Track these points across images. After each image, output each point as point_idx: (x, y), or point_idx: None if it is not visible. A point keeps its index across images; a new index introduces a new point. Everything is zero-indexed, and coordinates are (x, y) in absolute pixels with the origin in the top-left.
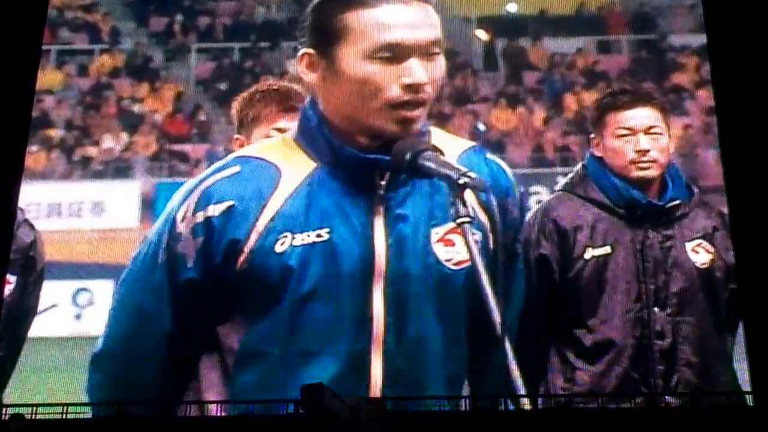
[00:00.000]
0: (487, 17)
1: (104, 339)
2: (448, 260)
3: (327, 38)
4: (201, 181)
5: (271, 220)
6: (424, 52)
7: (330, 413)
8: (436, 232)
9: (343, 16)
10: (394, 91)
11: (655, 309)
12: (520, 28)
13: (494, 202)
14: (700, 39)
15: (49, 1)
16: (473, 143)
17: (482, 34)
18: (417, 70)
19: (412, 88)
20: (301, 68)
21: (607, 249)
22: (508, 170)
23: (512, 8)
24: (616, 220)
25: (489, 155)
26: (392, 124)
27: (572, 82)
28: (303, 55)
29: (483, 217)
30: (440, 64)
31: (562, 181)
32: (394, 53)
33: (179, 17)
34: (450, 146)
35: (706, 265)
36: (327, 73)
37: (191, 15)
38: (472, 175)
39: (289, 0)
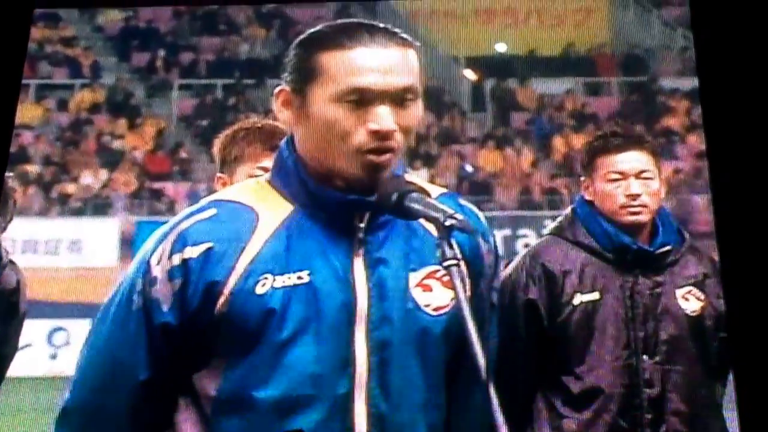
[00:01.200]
0: (476, 57)
1: (74, 391)
2: (426, 305)
3: (302, 77)
4: (176, 224)
5: (251, 262)
6: (396, 98)
7: None
8: (414, 277)
9: (319, 56)
10: (361, 137)
11: (644, 357)
12: (509, 68)
13: (482, 248)
14: (691, 82)
15: (29, 34)
16: (445, 189)
17: (470, 74)
18: (384, 117)
19: (379, 134)
20: (276, 105)
21: (596, 295)
22: (482, 216)
23: (501, 48)
24: (605, 266)
25: (462, 201)
26: (359, 170)
27: (561, 124)
28: (279, 92)
29: (464, 266)
30: (414, 112)
31: (550, 224)
32: (362, 98)
33: (162, 53)
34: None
35: (696, 313)
36: (299, 113)
37: (174, 50)
38: (459, 216)
39: (274, 37)
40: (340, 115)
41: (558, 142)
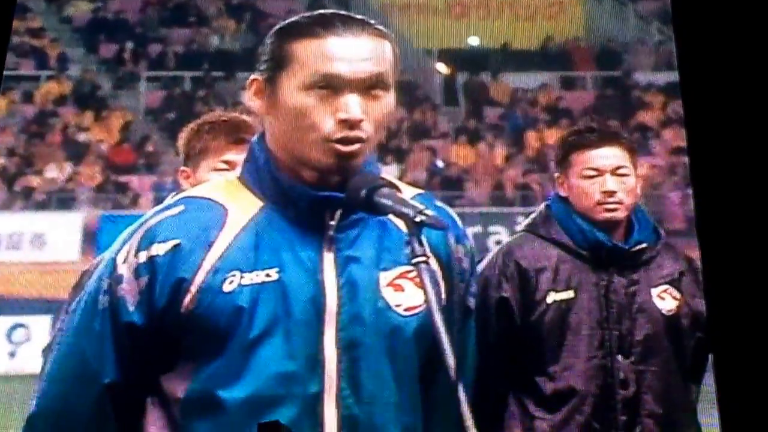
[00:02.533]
0: (448, 50)
1: (40, 398)
2: (398, 305)
3: (274, 66)
4: (144, 222)
5: (219, 258)
6: (365, 87)
7: None
8: (385, 277)
9: (291, 44)
10: (329, 126)
11: (619, 357)
12: (482, 62)
13: (457, 250)
14: (667, 77)
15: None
16: (421, 190)
17: (442, 68)
18: (353, 106)
19: (347, 123)
20: (248, 94)
21: (570, 293)
22: (458, 219)
23: (474, 41)
24: (580, 263)
25: (438, 203)
26: (328, 158)
27: (534, 119)
28: (251, 81)
29: (434, 263)
30: (385, 102)
31: (523, 221)
32: (331, 86)
33: (130, 44)
34: (403, 192)
35: (672, 312)
36: (270, 102)
37: (142, 42)
38: (430, 212)
39: (245, 29)
40: (309, 103)
41: (531, 137)
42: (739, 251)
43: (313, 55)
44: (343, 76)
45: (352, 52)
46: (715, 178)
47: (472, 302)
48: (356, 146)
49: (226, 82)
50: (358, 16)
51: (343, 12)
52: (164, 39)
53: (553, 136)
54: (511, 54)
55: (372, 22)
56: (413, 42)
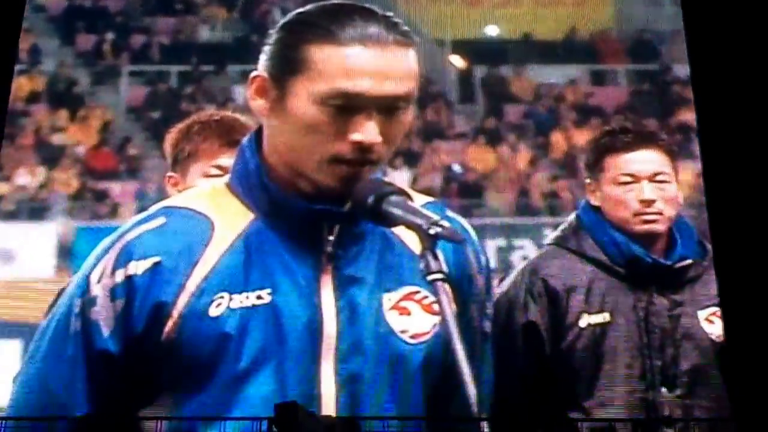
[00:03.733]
0: (464, 41)
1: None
2: (403, 332)
3: (285, 67)
4: (120, 236)
5: (205, 279)
6: (386, 107)
7: (303, 431)
8: (389, 299)
9: (308, 46)
10: (340, 146)
11: (663, 389)
12: (502, 54)
13: (472, 266)
14: None
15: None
16: (430, 198)
17: (457, 61)
18: (370, 128)
19: (361, 145)
20: (249, 91)
21: (606, 316)
22: (473, 232)
23: (492, 31)
24: (616, 282)
25: (449, 212)
26: (331, 179)
27: (562, 118)
28: (255, 77)
29: (447, 285)
30: (403, 118)
31: (551, 233)
32: (349, 103)
33: (110, 35)
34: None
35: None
36: (275, 105)
37: (124, 33)
38: (445, 224)
39: (237, 17)
40: (321, 117)
41: (558, 139)
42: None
43: (333, 65)
44: (364, 95)
45: (378, 68)
46: (729, 185)
47: (488, 326)
48: (365, 168)
49: (217, 76)
50: (380, 12)
51: (362, 5)
52: (148, 29)
53: (582, 137)
54: (534, 45)
55: (398, 21)
56: (424, 32)
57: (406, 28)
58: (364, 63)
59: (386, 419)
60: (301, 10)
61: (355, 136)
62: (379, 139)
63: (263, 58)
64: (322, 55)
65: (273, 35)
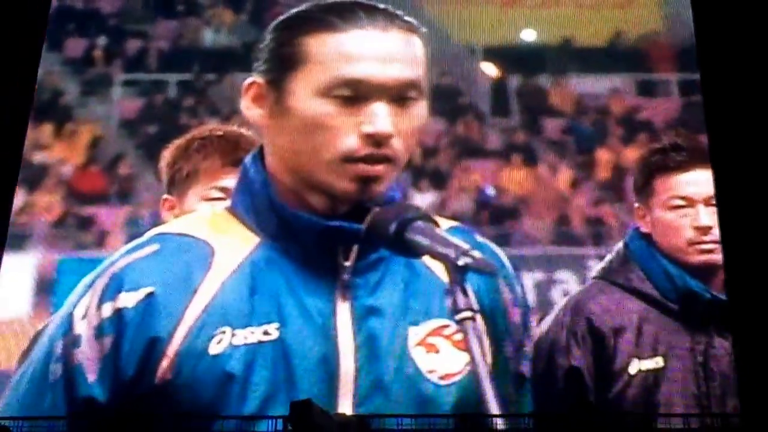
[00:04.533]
0: (497, 47)
1: None
2: (431, 372)
3: (280, 65)
4: (110, 264)
5: (204, 311)
6: (396, 94)
7: (319, 430)
8: (415, 333)
9: (303, 39)
10: (350, 141)
11: None
12: (539, 61)
13: (506, 299)
14: None
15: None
16: (455, 223)
17: (490, 69)
18: (381, 118)
19: (373, 139)
20: (245, 101)
21: (659, 361)
22: (507, 261)
23: (529, 36)
24: (669, 321)
25: (479, 237)
26: (346, 182)
27: (607, 133)
28: (250, 84)
29: (480, 319)
30: (417, 112)
31: (596, 265)
32: (356, 92)
33: (102, 40)
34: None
35: None
36: (275, 110)
37: (118, 37)
38: (476, 254)
39: (245, 20)
40: (326, 112)
41: (604, 157)
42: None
43: (332, 52)
44: (369, 80)
45: (381, 51)
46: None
47: (526, 368)
48: (382, 167)
49: (222, 86)
50: (382, 5)
51: (363, 0)
52: (145, 33)
53: (631, 155)
54: (575, 51)
55: (399, 12)
56: (453, 37)
57: (411, 18)
58: (365, 46)
59: (400, 416)
60: (295, 9)
61: (366, 128)
62: (391, 129)
63: (256, 64)
64: (321, 44)
65: (266, 37)
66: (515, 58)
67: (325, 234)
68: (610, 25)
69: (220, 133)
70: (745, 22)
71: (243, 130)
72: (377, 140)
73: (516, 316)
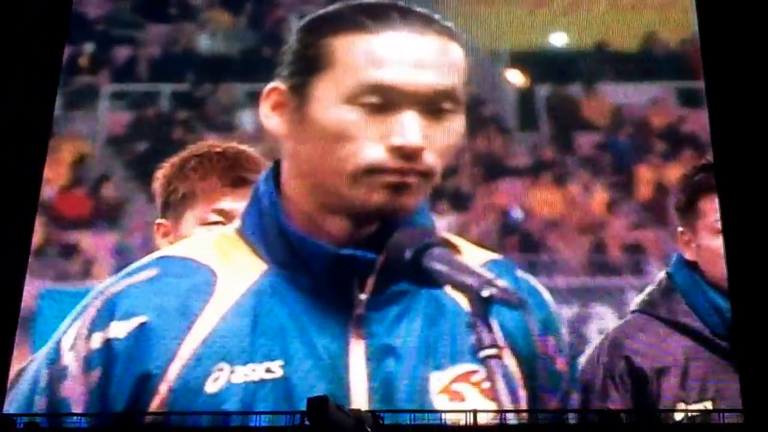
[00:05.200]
0: (524, 53)
1: None
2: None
3: (304, 68)
4: (104, 289)
5: (202, 344)
6: (429, 104)
7: (335, 424)
8: (438, 379)
9: (330, 40)
10: (377, 153)
11: None
12: (570, 68)
13: (534, 331)
14: None
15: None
16: (496, 255)
17: (516, 77)
18: (411, 128)
19: (402, 151)
20: (264, 108)
21: (708, 405)
22: (550, 299)
23: (558, 41)
24: (718, 359)
25: (521, 273)
26: (373, 193)
27: (647, 149)
28: (270, 90)
29: (510, 358)
30: (453, 127)
31: (636, 297)
32: (384, 100)
33: (89, 47)
34: (465, 254)
35: None
36: (296, 118)
37: (105, 44)
38: (501, 283)
39: (244, 24)
40: (351, 120)
41: (643, 175)
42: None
43: (360, 55)
44: (399, 87)
45: (413, 56)
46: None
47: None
48: (411, 181)
49: (218, 98)
50: (419, 8)
51: (398, 1)
52: (134, 39)
53: (673, 172)
54: (610, 57)
55: (437, 16)
56: (475, 41)
57: (449, 23)
58: (397, 50)
59: (414, 412)
60: (323, 10)
61: (395, 140)
62: (422, 142)
63: (279, 69)
64: (348, 46)
65: (291, 39)
66: (544, 64)
67: (338, 263)
68: (647, 28)
69: (219, 149)
70: (750, 27)
71: (245, 147)
72: (407, 153)
73: (560, 362)
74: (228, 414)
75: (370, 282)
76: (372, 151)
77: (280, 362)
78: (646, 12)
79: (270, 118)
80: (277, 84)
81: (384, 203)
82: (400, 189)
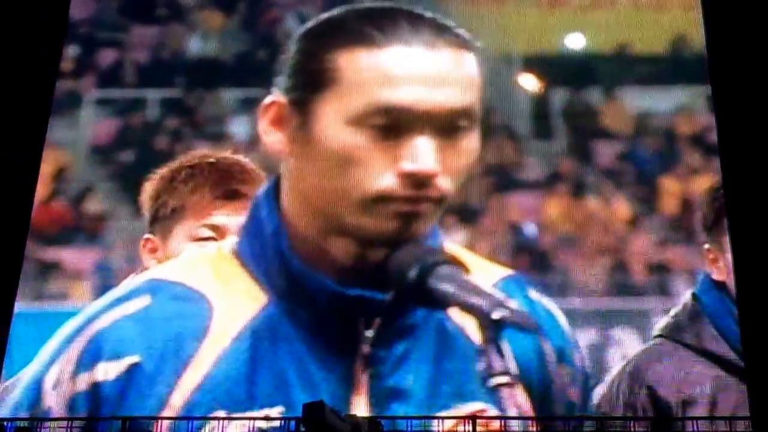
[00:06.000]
0: (538, 56)
1: None
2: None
3: (307, 83)
4: (88, 321)
5: (197, 388)
6: (443, 125)
7: (331, 430)
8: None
9: (334, 55)
10: (387, 180)
11: None
12: (588, 72)
13: (550, 358)
14: None
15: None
16: (509, 271)
17: (529, 82)
18: (424, 153)
19: (415, 178)
20: (263, 123)
21: None
22: (563, 320)
23: (575, 42)
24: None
25: (533, 292)
26: (383, 222)
27: (673, 160)
28: (270, 104)
29: (520, 388)
30: (469, 145)
31: (660, 321)
32: (395, 122)
33: (72, 50)
34: (475, 272)
35: None
36: (298, 136)
37: (89, 47)
38: (513, 305)
39: (238, 25)
40: (358, 144)
41: (669, 187)
42: None
43: (368, 72)
44: (411, 108)
45: (426, 73)
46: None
47: None
48: (424, 209)
49: (209, 105)
50: (429, 14)
51: (406, 7)
52: (121, 42)
53: (701, 185)
54: (631, 60)
55: (449, 24)
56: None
57: (462, 31)
58: (408, 66)
59: (411, 419)
60: (326, 14)
61: (406, 166)
62: (436, 167)
63: (278, 79)
64: (355, 61)
65: (291, 47)
66: (559, 68)
67: (345, 302)
68: (672, 29)
69: (212, 160)
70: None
71: (239, 157)
72: (419, 180)
73: (575, 393)
74: (223, 419)
75: (378, 320)
76: (381, 177)
77: (279, 408)
78: (672, 12)
79: (270, 134)
80: (277, 97)
81: (394, 232)
82: (411, 218)
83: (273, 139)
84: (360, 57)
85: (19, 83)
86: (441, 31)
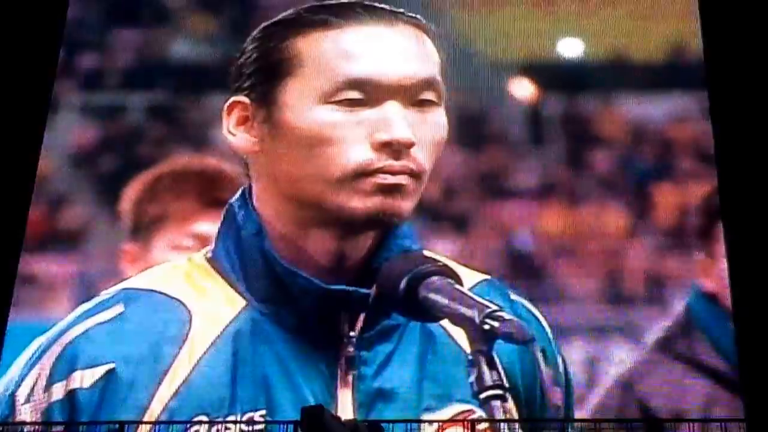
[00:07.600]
0: (532, 62)
1: None
2: None
3: (268, 77)
4: (62, 331)
5: (176, 394)
6: (412, 96)
7: None
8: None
9: (292, 42)
10: (363, 153)
11: None
12: (583, 79)
13: (544, 373)
14: None
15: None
16: (484, 275)
17: (523, 89)
18: (397, 122)
19: (391, 147)
20: (227, 124)
21: None
22: (545, 322)
23: (570, 49)
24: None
25: (514, 295)
26: (365, 198)
27: (669, 168)
28: (231, 104)
29: (509, 398)
30: (437, 119)
31: (652, 333)
32: (364, 94)
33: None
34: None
35: None
36: (266, 131)
37: (69, 50)
38: (506, 315)
39: (227, 28)
40: (330, 121)
41: (664, 196)
42: None
43: (330, 51)
44: (379, 79)
45: (390, 47)
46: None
47: None
48: (404, 182)
49: (196, 110)
50: (383, 5)
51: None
52: (102, 44)
53: (697, 193)
54: (628, 67)
55: (401, 10)
56: (477, 48)
57: (418, 16)
58: (369, 42)
59: (410, 422)
60: (277, 18)
61: (380, 135)
62: (411, 136)
63: (236, 84)
64: (315, 44)
65: (244, 50)
66: (553, 74)
67: (328, 299)
68: (669, 35)
69: (196, 167)
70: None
71: (224, 165)
72: (396, 149)
73: (557, 397)
74: (216, 423)
75: (361, 318)
76: (357, 151)
77: (262, 412)
78: (670, 22)
79: (235, 135)
80: (238, 98)
81: (376, 208)
82: (393, 191)
83: (239, 139)
84: (319, 39)
85: (19, 83)
86: (396, 14)
